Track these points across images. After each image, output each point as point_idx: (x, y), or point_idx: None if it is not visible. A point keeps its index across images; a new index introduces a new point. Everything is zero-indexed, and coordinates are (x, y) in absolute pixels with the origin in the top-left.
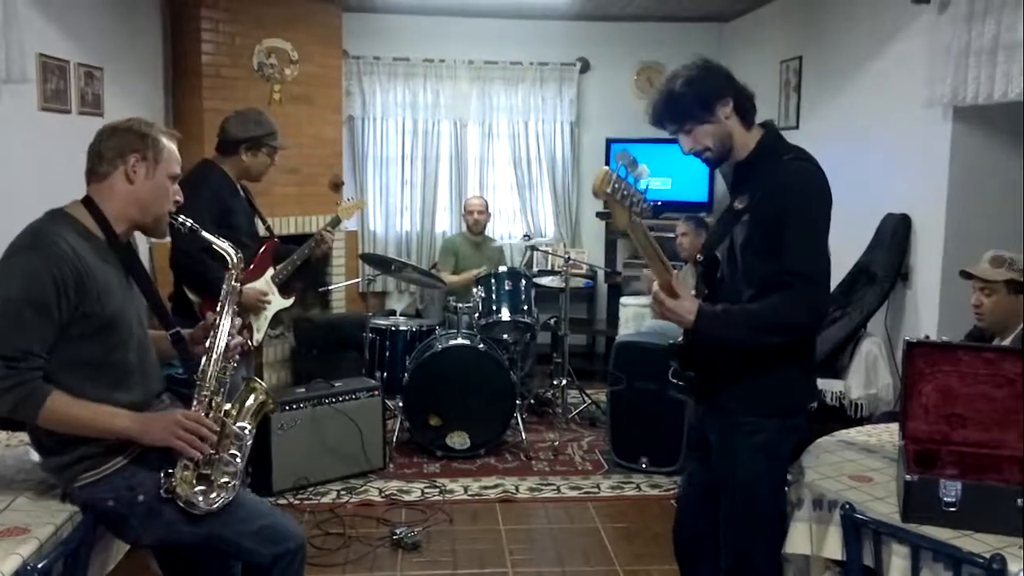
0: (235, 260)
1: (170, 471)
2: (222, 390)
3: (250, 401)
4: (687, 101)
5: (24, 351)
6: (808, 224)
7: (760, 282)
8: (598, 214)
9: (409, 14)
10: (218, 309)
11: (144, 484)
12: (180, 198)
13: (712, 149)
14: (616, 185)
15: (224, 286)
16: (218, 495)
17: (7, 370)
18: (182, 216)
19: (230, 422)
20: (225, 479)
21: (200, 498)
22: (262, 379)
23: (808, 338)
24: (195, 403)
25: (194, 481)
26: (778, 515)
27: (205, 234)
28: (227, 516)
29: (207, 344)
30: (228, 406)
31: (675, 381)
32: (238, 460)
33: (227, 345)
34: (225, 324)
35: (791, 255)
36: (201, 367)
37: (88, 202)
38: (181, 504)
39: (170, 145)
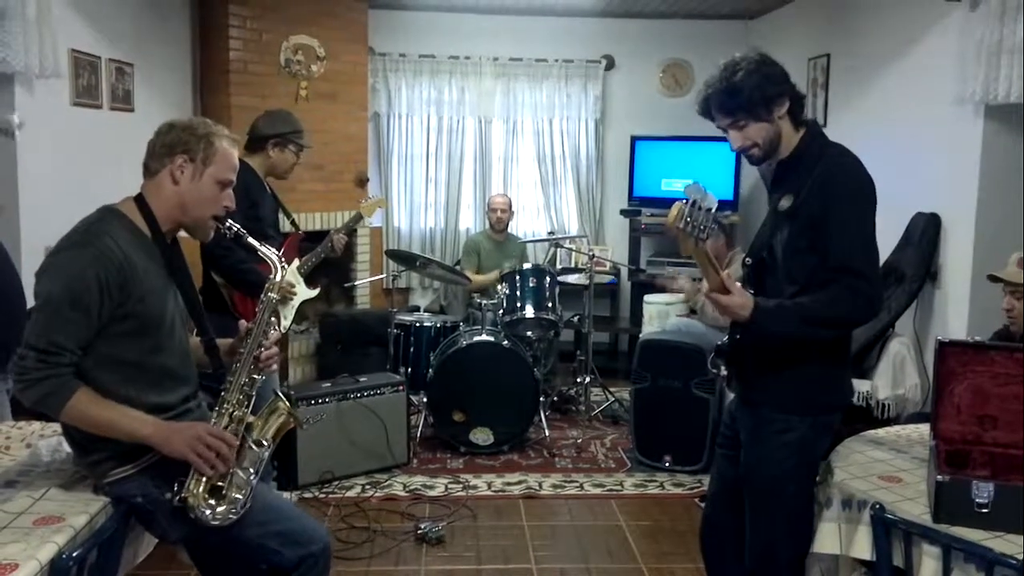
0: (278, 267)
1: (183, 480)
2: (247, 402)
3: (273, 418)
4: (746, 96)
5: (58, 346)
6: (852, 218)
7: (806, 279)
8: (622, 211)
9: (435, 11)
10: (255, 319)
11: (171, 483)
12: (231, 204)
13: (760, 146)
14: (687, 219)
15: (262, 296)
16: (228, 510)
17: (38, 362)
18: (230, 220)
19: (250, 437)
20: (237, 494)
21: (208, 512)
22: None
23: (844, 336)
24: (216, 415)
25: (206, 494)
26: (804, 514)
27: (251, 240)
28: (252, 517)
29: (240, 352)
30: (252, 418)
31: (713, 370)
32: (252, 476)
33: (257, 357)
34: (259, 334)
35: (836, 251)
36: (228, 377)
37: (139, 199)
38: (191, 516)
39: (227, 150)
